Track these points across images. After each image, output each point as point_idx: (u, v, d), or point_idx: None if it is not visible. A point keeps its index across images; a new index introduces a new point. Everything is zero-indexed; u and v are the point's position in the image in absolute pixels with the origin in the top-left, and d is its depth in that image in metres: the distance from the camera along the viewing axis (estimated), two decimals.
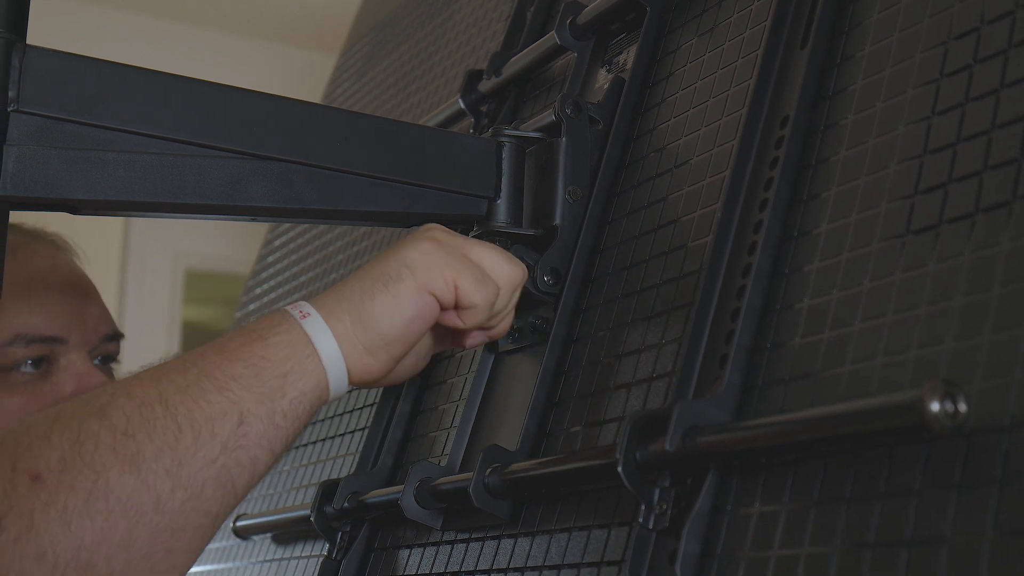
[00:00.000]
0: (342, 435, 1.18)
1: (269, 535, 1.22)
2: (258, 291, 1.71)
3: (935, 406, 0.54)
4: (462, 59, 1.35)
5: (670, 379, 0.77)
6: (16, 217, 0.86)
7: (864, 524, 0.58)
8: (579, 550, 0.77)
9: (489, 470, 0.83)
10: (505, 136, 0.93)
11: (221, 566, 1.32)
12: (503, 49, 1.15)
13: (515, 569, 0.82)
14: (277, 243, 1.72)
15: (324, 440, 1.22)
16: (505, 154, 0.92)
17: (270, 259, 1.72)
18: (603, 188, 0.91)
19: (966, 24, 0.66)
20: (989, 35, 0.64)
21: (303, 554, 1.14)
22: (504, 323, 0.86)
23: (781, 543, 0.62)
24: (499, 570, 0.84)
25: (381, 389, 1.10)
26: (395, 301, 0.78)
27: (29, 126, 0.79)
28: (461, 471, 0.92)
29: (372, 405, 1.15)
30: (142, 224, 4.36)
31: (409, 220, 0.92)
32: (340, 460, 1.16)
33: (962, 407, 0.54)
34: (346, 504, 1.01)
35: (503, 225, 0.92)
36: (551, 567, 0.79)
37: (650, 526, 0.69)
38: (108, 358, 1.14)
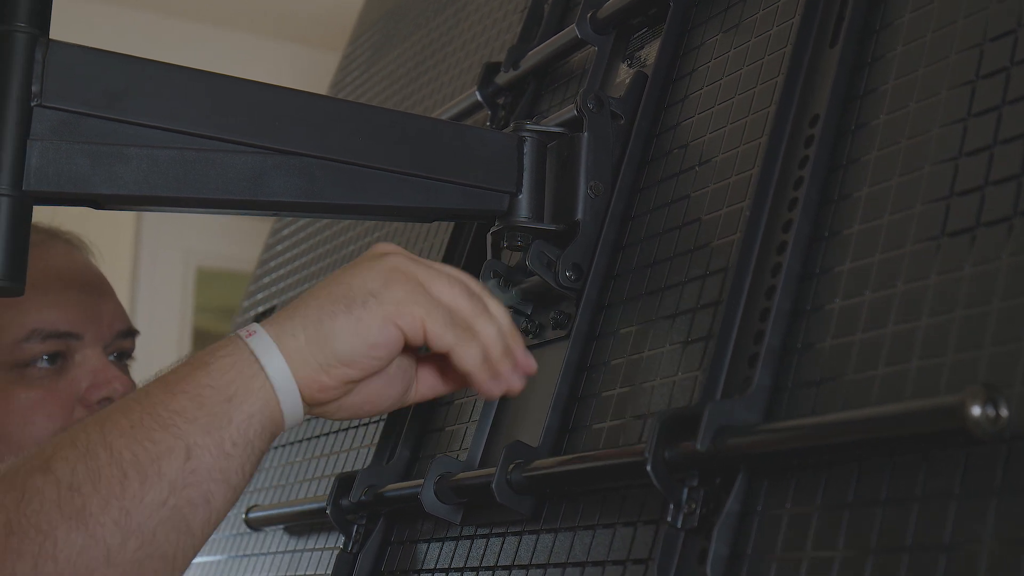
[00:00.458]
0: (356, 427, 1.18)
1: (282, 527, 1.22)
2: (265, 280, 1.71)
3: (976, 410, 0.54)
4: (476, 50, 1.34)
5: (696, 378, 0.76)
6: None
7: (901, 528, 0.58)
8: (604, 547, 0.77)
9: (512, 466, 0.83)
10: (527, 131, 0.92)
11: (232, 556, 1.32)
12: (520, 42, 1.14)
13: (538, 565, 0.82)
14: (285, 232, 1.72)
15: (338, 432, 1.22)
16: (527, 149, 0.92)
17: (278, 247, 1.72)
18: (625, 184, 0.91)
19: (1003, 26, 0.65)
20: None
21: (317, 546, 1.14)
22: (513, 373, 0.80)
23: (814, 545, 0.62)
24: (521, 566, 0.84)
25: None
26: (358, 324, 0.74)
27: (52, 121, 0.78)
28: (481, 466, 0.92)
29: None
30: (154, 222, 4.36)
31: (430, 215, 0.92)
32: (354, 452, 1.16)
33: (1003, 412, 0.54)
34: (363, 497, 1.02)
35: (525, 220, 0.91)
36: (575, 564, 0.79)
37: (679, 525, 0.69)
38: (123, 354, 1.15)
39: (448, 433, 1.01)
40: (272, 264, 1.71)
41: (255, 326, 0.75)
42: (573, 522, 0.81)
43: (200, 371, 0.72)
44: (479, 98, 1.16)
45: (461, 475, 0.90)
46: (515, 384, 0.80)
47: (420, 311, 0.75)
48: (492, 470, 0.83)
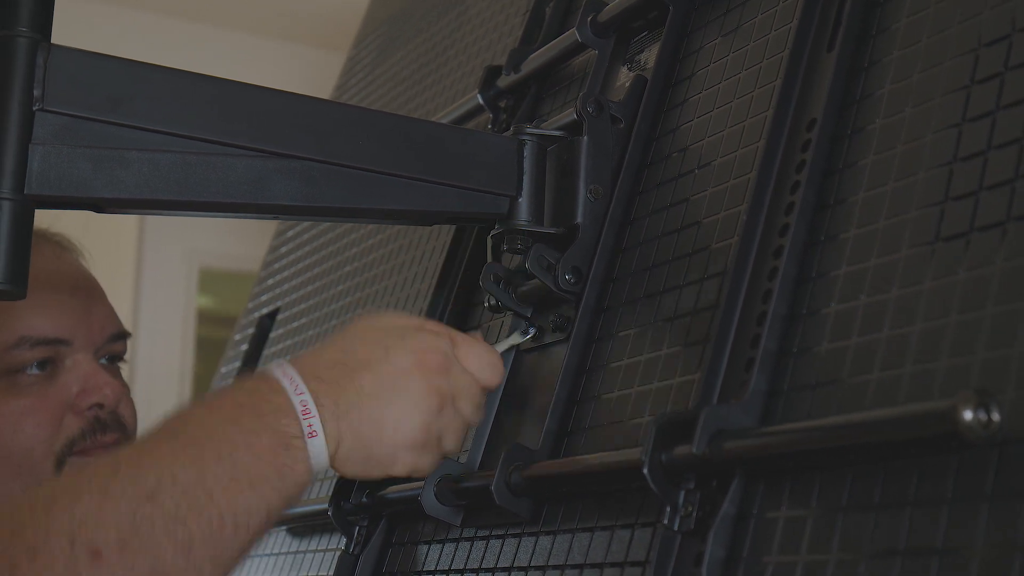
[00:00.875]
0: None
1: (284, 527, 1.23)
2: (269, 282, 1.71)
3: (968, 415, 0.54)
4: (478, 53, 1.35)
5: (693, 381, 0.77)
6: None
7: (894, 532, 0.58)
8: (602, 550, 0.77)
9: (511, 468, 0.83)
10: (527, 134, 0.93)
11: None
12: (521, 45, 1.15)
13: (536, 567, 0.82)
14: (290, 234, 1.73)
15: None
16: (527, 152, 0.92)
17: (282, 249, 1.73)
18: (625, 188, 0.91)
19: (997, 31, 0.66)
20: (1021, 42, 0.64)
21: (319, 548, 1.14)
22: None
23: (809, 548, 0.63)
24: (520, 568, 0.84)
25: None
26: (396, 427, 0.79)
27: (54, 125, 0.79)
28: (481, 468, 0.93)
29: None
30: (157, 222, 4.37)
31: (431, 218, 0.93)
32: None
33: (995, 416, 0.54)
34: (364, 499, 1.02)
35: (524, 223, 0.92)
36: (573, 566, 0.79)
37: (675, 528, 0.70)
38: (115, 357, 1.14)
39: None
40: (276, 266, 1.71)
41: (316, 425, 0.77)
42: (571, 524, 0.81)
43: (280, 451, 0.76)
44: (481, 101, 1.16)
45: (461, 477, 0.90)
46: None
47: (437, 426, 0.81)
48: (492, 472, 0.84)
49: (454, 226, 1.14)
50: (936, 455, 0.58)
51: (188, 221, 4.21)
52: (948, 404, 0.55)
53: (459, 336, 0.84)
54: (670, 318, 0.82)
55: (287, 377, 0.78)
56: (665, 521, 0.70)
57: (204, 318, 4.67)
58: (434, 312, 1.09)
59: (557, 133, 0.93)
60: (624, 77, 0.99)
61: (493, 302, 0.97)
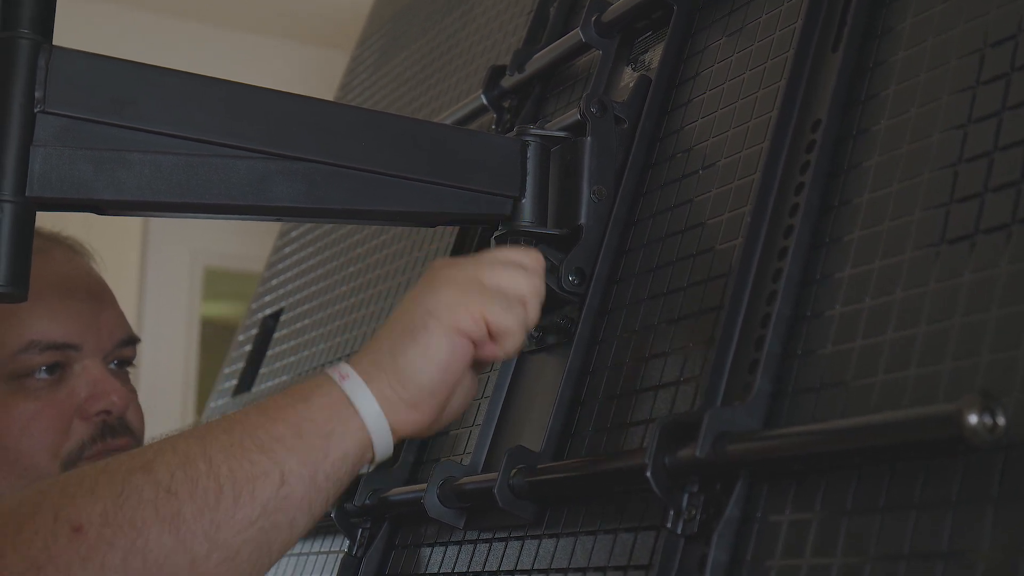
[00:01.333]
0: None
1: None
2: (273, 282, 1.71)
3: (973, 418, 0.54)
4: (482, 53, 1.34)
5: (697, 383, 0.76)
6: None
7: (899, 535, 0.58)
8: (605, 553, 0.77)
9: (514, 471, 0.83)
10: (530, 135, 0.92)
11: None
12: (525, 45, 1.14)
13: (540, 570, 0.82)
14: (293, 234, 1.72)
15: None
16: (530, 153, 0.92)
17: (286, 250, 1.72)
18: (629, 188, 0.91)
19: (1003, 31, 0.65)
20: None
21: (322, 550, 1.14)
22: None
23: (813, 551, 0.62)
24: (523, 571, 0.84)
25: None
26: (425, 350, 0.76)
27: (55, 127, 0.79)
28: (484, 471, 0.92)
29: None
30: (161, 222, 4.38)
31: (434, 220, 0.92)
32: None
33: (1000, 420, 0.54)
34: (367, 501, 1.02)
35: (528, 224, 0.91)
36: (576, 569, 0.79)
37: (679, 531, 0.69)
38: (124, 362, 1.14)
39: (452, 437, 1.01)
40: (280, 267, 1.71)
41: (346, 368, 0.76)
42: (575, 527, 0.81)
43: (300, 404, 0.74)
44: (484, 101, 1.16)
45: (464, 480, 0.90)
46: None
47: (476, 307, 0.76)
48: (495, 475, 0.84)
49: (458, 227, 1.13)
50: (941, 458, 0.57)
51: (192, 221, 4.21)
52: (953, 408, 0.54)
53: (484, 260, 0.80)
54: (674, 320, 0.81)
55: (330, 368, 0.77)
56: (668, 524, 0.69)
57: (209, 326, 4.67)
58: None
59: (561, 134, 0.93)
60: (628, 77, 0.98)
61: None
